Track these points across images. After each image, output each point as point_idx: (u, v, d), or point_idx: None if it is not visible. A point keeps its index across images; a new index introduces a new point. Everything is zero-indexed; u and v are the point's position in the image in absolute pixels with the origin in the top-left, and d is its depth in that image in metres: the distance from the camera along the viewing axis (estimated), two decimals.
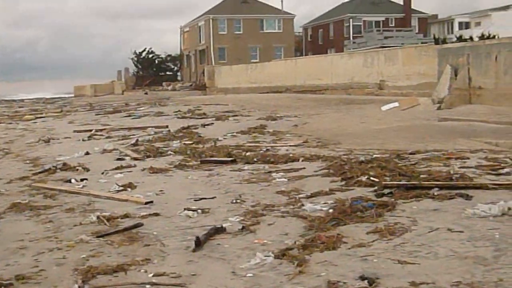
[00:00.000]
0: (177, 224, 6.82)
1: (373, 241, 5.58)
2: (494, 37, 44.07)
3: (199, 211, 7.33)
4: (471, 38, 48.77)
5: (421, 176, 8.62)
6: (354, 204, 7.01)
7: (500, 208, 6.20)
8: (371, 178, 8.60)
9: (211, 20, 71.30)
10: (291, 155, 11.92)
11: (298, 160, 11.36)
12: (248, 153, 12.50)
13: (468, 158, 10.81)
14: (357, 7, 73.57)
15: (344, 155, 11.85)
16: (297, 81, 43.13)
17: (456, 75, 23.78)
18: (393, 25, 70.67)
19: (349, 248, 5.41)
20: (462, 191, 7.58)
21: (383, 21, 71.62)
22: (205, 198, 8.13)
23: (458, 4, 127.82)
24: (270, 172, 10.16)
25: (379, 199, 7.39)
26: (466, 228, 5.85)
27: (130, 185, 9.47)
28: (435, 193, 7.49)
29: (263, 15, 73.25)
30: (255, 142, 14.99)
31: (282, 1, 75.15)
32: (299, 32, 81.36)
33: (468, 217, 6.26)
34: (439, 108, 22.54)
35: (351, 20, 72.26)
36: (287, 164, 11.08)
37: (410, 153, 11.69)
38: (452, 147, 12.61)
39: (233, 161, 11.47)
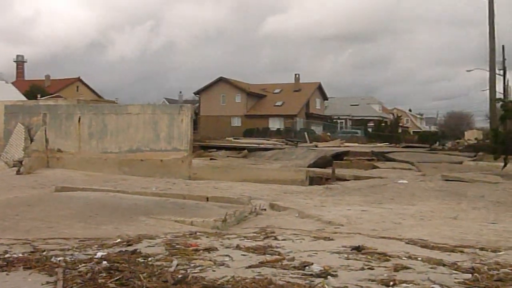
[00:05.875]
0: None
1: None
2: None
3: None
4: None
5: None
6: None
7: None
8: None
9: None
10: None
11: None
12: None
13: (217, 249, 7.78)
14: None
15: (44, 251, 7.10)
16: None
17: (30, 136, 19.67)
18: None
19: None
20: None
21: None
22: None
23: None
24: None
25: None
26: None
27: None
28: None
29: None
30: None
31: None
32: None
33: None
34: (18, 173, 17.98)
35: None
36: None
37: (128, 245, 7.86)
38: (145, 229, 9.21)
39: None
